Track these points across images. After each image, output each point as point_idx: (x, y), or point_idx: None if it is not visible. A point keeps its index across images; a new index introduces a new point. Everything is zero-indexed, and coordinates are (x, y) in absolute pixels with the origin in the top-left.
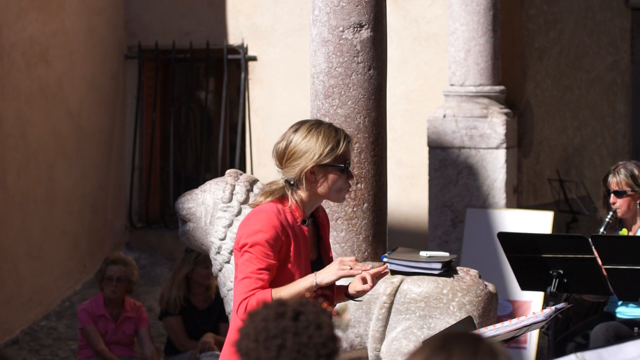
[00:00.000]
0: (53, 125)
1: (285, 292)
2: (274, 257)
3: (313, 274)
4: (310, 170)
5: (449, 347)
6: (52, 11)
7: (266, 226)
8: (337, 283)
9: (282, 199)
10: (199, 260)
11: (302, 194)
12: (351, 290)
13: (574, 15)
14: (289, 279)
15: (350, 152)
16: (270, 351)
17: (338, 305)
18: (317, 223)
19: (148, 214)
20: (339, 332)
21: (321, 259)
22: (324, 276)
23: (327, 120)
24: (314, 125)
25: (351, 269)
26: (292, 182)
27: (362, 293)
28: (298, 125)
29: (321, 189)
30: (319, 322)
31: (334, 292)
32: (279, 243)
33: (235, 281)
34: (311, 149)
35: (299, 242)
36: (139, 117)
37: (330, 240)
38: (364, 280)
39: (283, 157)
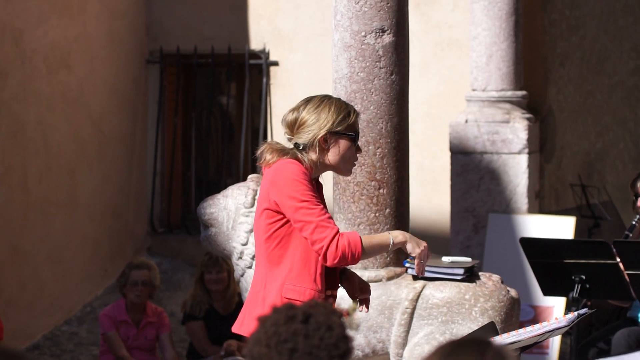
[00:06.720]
0: (74, 130)
1: (377, 240)
2: (318, 198)
3: (388, 233)
4: (323, 137)
5: (456, 353)
6: (73, 16)
7: (299, 174)
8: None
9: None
10: (208, 264)
11: (313, 156)
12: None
13: (596, 20)
14: None
15: (358, 126)
16: (283, 355)
17: (348, 305)
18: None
19: (169, 219)
20: (350, 332)
21: None
22: (410, 241)
23: None
24: (326, 97)
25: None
26: (301, 147)
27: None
28: (310, 98)
29: (332, 157)
30: (329, 324)
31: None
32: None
33: (266, 238)
34: (324, 117)
35: (320, 196)
36: (160, 122)
37: None
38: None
39: (294, 125)
